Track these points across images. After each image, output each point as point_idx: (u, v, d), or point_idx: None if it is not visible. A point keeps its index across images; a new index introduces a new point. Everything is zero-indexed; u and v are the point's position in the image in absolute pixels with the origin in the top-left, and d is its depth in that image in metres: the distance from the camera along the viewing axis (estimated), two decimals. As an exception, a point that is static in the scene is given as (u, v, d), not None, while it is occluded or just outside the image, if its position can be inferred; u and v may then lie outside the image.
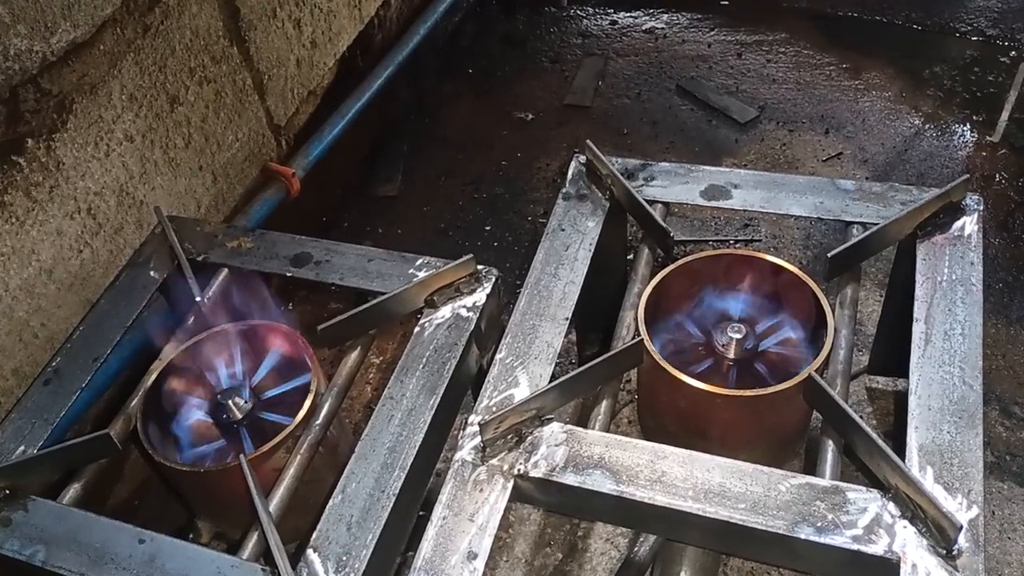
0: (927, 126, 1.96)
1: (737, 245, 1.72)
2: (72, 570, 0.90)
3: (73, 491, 1.00)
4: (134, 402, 1.07)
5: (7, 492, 0.97)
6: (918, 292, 1.05)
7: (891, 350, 1.34)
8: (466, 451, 0.96)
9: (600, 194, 1.22)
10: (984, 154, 1.87)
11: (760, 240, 1.72)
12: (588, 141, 1.23)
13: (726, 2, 2.36)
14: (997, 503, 1.29)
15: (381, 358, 1.64)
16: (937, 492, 0.87)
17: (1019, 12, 2.20)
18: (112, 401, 1.16)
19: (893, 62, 2.13)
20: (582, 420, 1.04)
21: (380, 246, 1.82)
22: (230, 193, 1.52)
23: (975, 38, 2.17)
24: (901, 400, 1.35)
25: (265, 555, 0.91)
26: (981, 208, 1.11)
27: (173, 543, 0.92)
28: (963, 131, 1.93)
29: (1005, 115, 1.87)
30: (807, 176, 1.23)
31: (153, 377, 1.08)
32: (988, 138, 1.89)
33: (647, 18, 2.35)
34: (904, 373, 1.38)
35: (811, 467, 0.97)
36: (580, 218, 1.20)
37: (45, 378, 1.09)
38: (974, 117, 1.96)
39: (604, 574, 1.30)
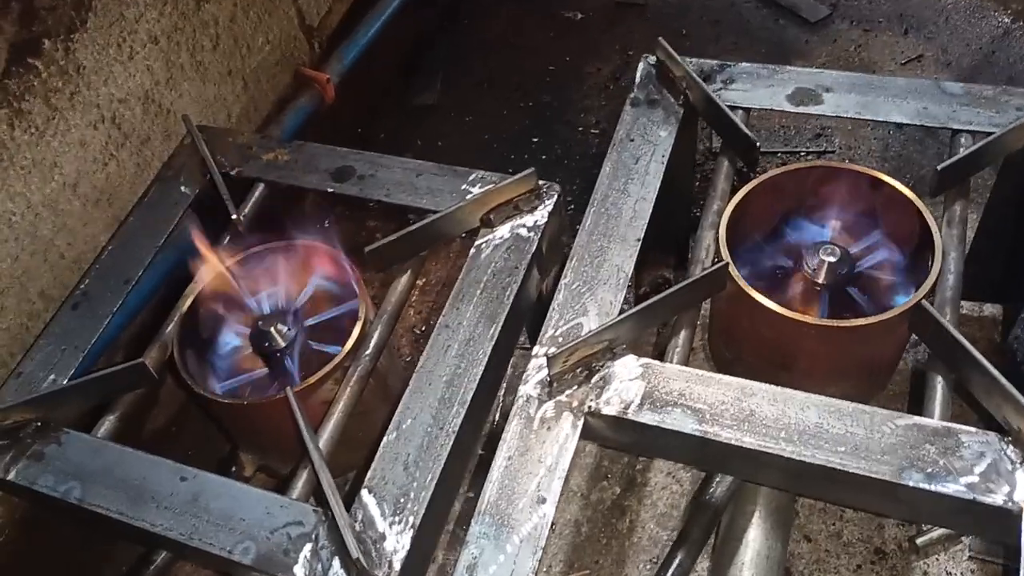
0: (1017, 25, 1.78)
1: (809, 157, 1.59)
2: (111, 509, 0.84)
3: (108, 423, 0.94)
4: (169, 328, 0.99)
5: (38, 425, 0.91)
6: (1037, 210, 0.93)
7: (985, 272, 1.22)
8: (531, 386, 0.87)
9: (673, 99, 1.10)
10: (1081, 57, 1.70)
11: (834, 151, 1.59)
12: (660, 39, 1.10)
13: None
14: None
15: (424, 280, 1.55)
16: (1065, 437, 0.77)
17: None
18: (145, 326, 1.08)
19: (979, -47, 1.93)
20: (657, 352, 0.95)
21: (421, 158, 1.74)
22: (262, 100, 1.41)
23: (1072, -74, 1.96)
24: (1003, 330, 1.25)
25: (316, 495, 0.84)
26: (1113, 114, 0.98)
27: (216, 481, 0.85)
28: (1057, 31, 1.76)
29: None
30: (907, 77, 1.09)
31: (189, 301, 1.00)
32: (1086, 38, 1.72)
33: (707, -93, 2.16)
34: (996, 298, 1.27)
35: (916, 406, 0.88)
36: (651, 127, 1.08)
37: (74, 301, 1.02)
38: (1069, 15, 1.78)
39: (665, 509, 1.23)
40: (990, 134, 0.98)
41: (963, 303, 1.37)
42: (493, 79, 1.87)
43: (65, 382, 0.94)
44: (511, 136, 1.76)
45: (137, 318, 1.07)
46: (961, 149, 0.99)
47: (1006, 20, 1.79)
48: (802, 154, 1.58)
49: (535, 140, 1.74)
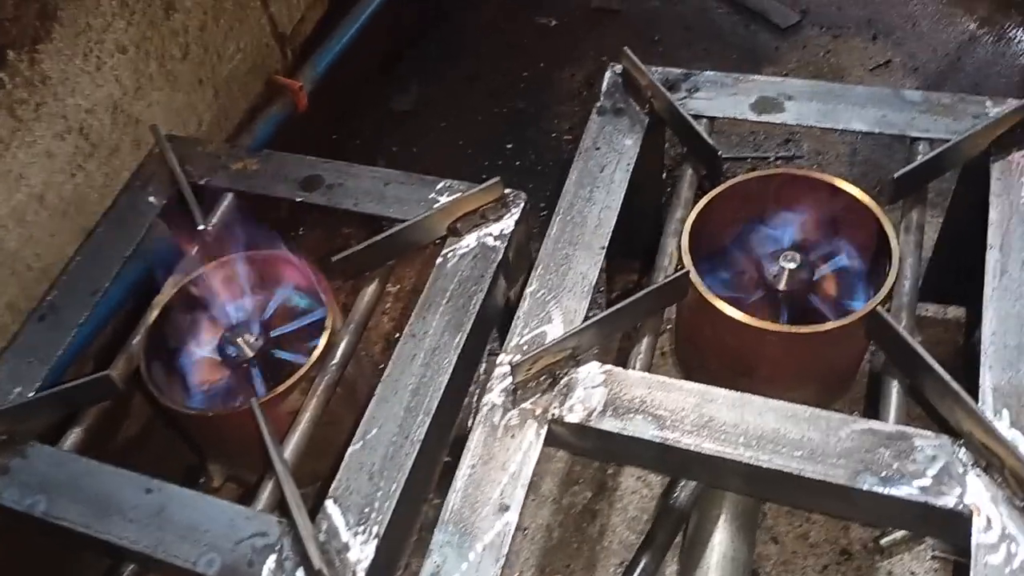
0: (983, 31, 1.81)
1: (778, 162, 1.61)
2: (76, 522, 0.84)
3: (74, 435, 0.94)
4: (136, 340, 1.00)
5: (4, 438, 0.91)
6: (992, 215, 0.95)
7: (947, 276, 1.24)
8: (496, 394, 0.88)
9: (638, 108, 1.11)
10: (1045, 60, 1.73)
11: (802, 156, 1.61)
12: (625, 48, 1.11)
13: None
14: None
15: (398, 286, 1.55)
16: (1015, 438, 0.79)
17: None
18: (114, 335, 1.08)
19: (947, -42, 1.96)
20: (620, 359, 0.96)
21: (395, 165, 1.72)
22: (233, 109, 1.41)
23: (1037, -68, 1.98)
24: (966, 332, 1.27)
25: (281, 506, 0.85)
26: (1066, 121, 0.99)
27: (182, 493, 0.86)
28: (1022, 36, 1.78)
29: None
30: (867, 86, 1.11)
31: (156, 312, 1.01)
32: (1050, 43, 1.75)
33: (679, -89, 2.18)
34: (960, 301, 1.29)
35: (872, 410, 0.89)
36: (616, 135, 1.09)
37: (41, 313, 1.02)
38: (1034, 20, 1.81)
39: (636, 512, 1.24)
40: (947, 141, 1.00)
41: (928, 306, 1.40)
42: (469, 85, 1.87)
43: (31, 394, 0.94)
44: (485, 141, 1.77)
45: (105, 328, 1.08)
46: (919, 156, 1.01)
47: (972, 26, 1.82)
48: (771, 159, 1.60)
49: (509, 146, 1.75)
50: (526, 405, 0.87)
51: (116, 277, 1.05)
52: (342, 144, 1.77)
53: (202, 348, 1.02)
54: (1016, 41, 1.78)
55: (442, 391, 0.89)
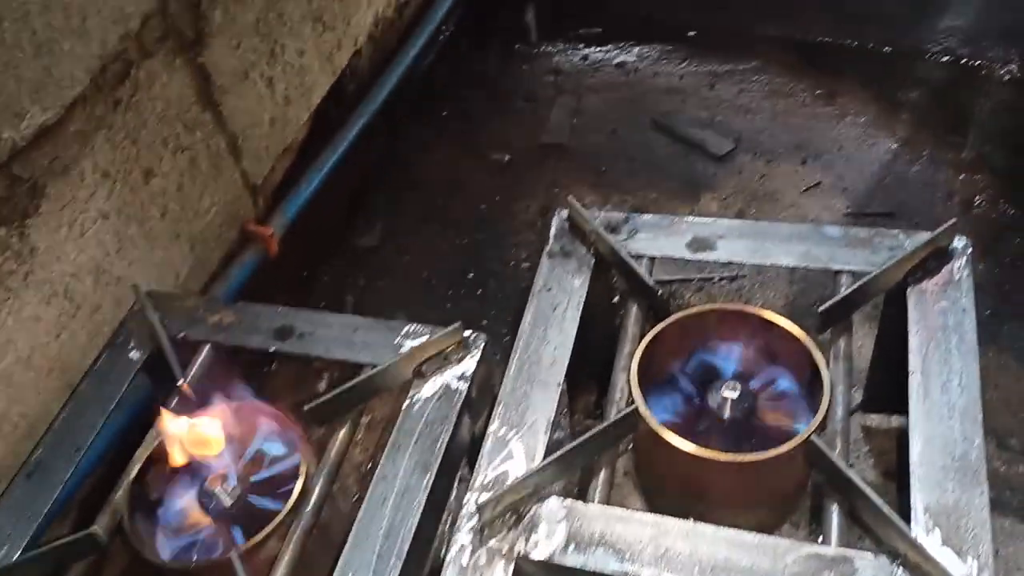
0: (904, 150, 1.96)
1: (721, 282, 1.71)
2: None
3: (60, 592, 0.97)
4: (119, 494, 1.04)
5: (-10, 601, 0.94)
6: (912, 342, 1.04)
7: (885, 388, 1.33)
8: (463, 533, 0.94)
9: (584, 250, 1.21)
10: (962, 177, 1.87)
11: (744, 276, 1.72)
12: (570, 197, 1.22)
13: (693, 32, 2.36)
14: (1000, 541, 1.28)
15: (369, 416, 1.61)
16: (946, 557, 0.85)
17: (988, 32, 2.21)
18: (99, 482, 1.12)
19: (867, 86, 2.13)
20: (582, 483, 1.03)
21: (363, 300, 1.83)
22: (208, 259, 1.50)
23: (946, 59, 2.18)
24: (901, 440, 1.35)
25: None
26: (970, 251, 1.10)
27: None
28: (940, 155, 1.93)
29: (980, 137, 1.88)
30: (791, 223, 1.22)
31: (137, 467, 1.05)
32: (965, 161, 1.90)
33: (618, 52, 2.35)
34: (899, 410, 1.38)
35: (817, 526, 0.96)
36: (566, 276, 1.18)
37: (27, 471, 1.06)
38: (949, 139, 1.97)
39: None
40: (867, 273, 1.10)
41: (872, 416, 1.48)
42: (430, 219, 1.98)
43: (17, 555, 0.98)
44: (447, 272, 1.86)
45: (89, 478, 1.12)
46: (842, 288, 1.11)
47: (893, 145, 1.98)
48: (716, 279, 1.71)
49: (470, 275, 1.85)
50: (493, 543, 0.92)
51: (99, 432, 1.10)
52: (312, 282, 1.85)
53: (182, 499, 1.07)
54: (934, 159, 1.93)
55: (412, 533, 0.94)
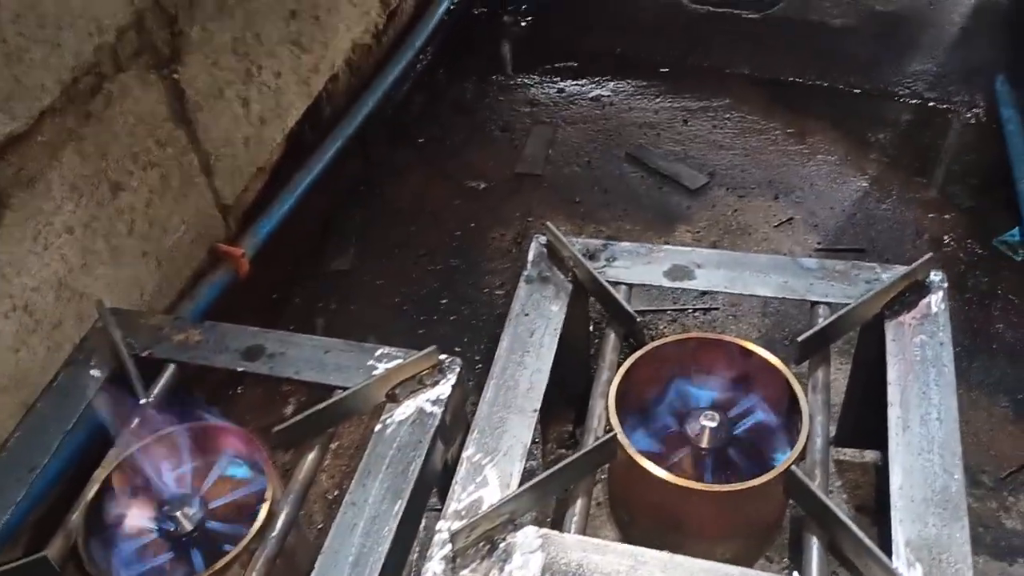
0: (873, 189, 1.99)
1: (696, 313, 1.71)
2: None
3: (6, 621, 0.92)
4: (74, 517, 1.00)
5: (-69, 628, 0.89)
6: (891, 375, 1.04)
7: (859, 423, 1.33)
8: (435, 562, 0.91)
9: (562, 276, 1.19)
10: (931, 215, 1.90)
11: (718, 307, 1.71)
12: (548, 223, 1.21)
13: (666, 69, 2.39)
14: (973, 578, 1.27)
15: (338, 443, 1.57)
16: (927, 590, 0.84)
17: (954, 76, 2.27)
18: (56, 502, 1.07)
19: (837, 125, 2.17)
20: (557, 512, 1.00)
21: (334, 324, 1.79)
22: (176, 277, 1.46)
23: (914, 101, 2.22)
24: (879, 475, 1.34)
25: None
26: (946, 286, 1.11)
27: None
28: (908, 194, 1.96)
29: (946, 177, 1.92)
30: (769, 254, 1.22)
31: (94, 489, 1.01)
32: (933, 199, 1.93)
33: (593, 86, 2.37)
34: (873, 445, 1.37)
35: (796, 553, 0.94)
36: (543, 302, 1.17)
37: (-24, 492, 1.01)
38: (917, 179, 2.00)
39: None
40: (844, 305, 1.10)
41: (846, 450, 1.48)
42: (404, 244, 1.96)
43: (-38, 580, 0.93)
44: (420, 298, 1.84)
45: (44, 500, 1.07)
46: (820, 319, 1.11)
47: (863, 184, 2.00)
48: (690, 311, 1.71)
49: (443, 302, 1.83)
50: (465, 573, 0.89)
51: (54, 453, 1.05)
52: (282, 305, 1.82)
53: (141, 523, 1.02)
54: (903, 197, 1.95)
55: (382, 561, 0.91)
